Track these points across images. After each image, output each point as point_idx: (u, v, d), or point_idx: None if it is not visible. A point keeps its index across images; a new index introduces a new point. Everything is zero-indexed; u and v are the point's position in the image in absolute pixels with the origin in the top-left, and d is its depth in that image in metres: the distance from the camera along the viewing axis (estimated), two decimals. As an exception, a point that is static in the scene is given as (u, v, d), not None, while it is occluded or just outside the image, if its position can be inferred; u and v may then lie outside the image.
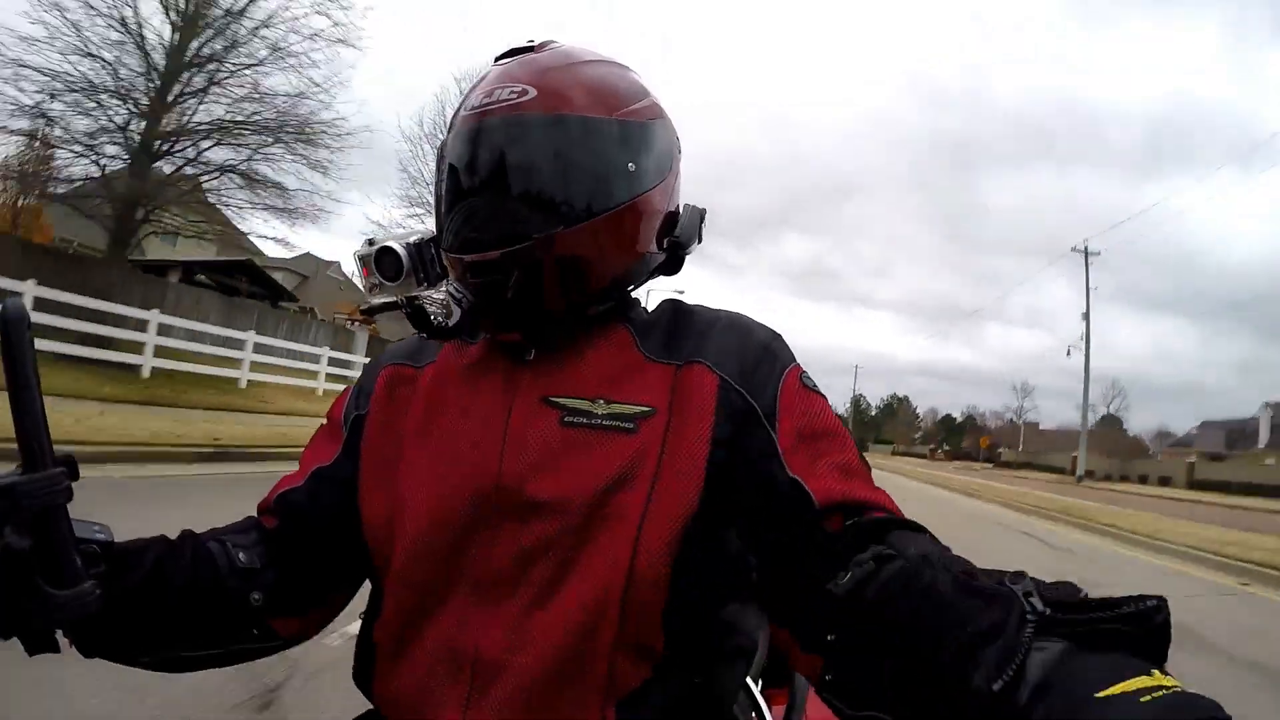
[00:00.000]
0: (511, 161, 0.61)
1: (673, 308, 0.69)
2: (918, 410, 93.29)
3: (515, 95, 0.62)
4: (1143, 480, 39.77)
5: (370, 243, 0.67)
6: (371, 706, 0.65)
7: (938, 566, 0.47)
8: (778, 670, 0.74)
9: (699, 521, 0.57)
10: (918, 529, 0.53)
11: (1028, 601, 0.39)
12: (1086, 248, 31.07)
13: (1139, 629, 0.36)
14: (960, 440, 76.60)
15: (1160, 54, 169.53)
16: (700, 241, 0.72)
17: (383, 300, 0.67)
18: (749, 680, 0.71)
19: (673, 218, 0.69)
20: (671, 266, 0.71)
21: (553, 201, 0.61)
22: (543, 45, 0.68)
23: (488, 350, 0.68)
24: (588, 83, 0.64)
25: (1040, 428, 72.22)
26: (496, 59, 0.68)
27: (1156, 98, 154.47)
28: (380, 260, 0.66)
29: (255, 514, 0.70)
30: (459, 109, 0.65)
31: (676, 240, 0.69)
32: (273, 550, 0.65)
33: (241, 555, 0.63)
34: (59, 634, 0.48)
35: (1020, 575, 0.42)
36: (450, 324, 0.64)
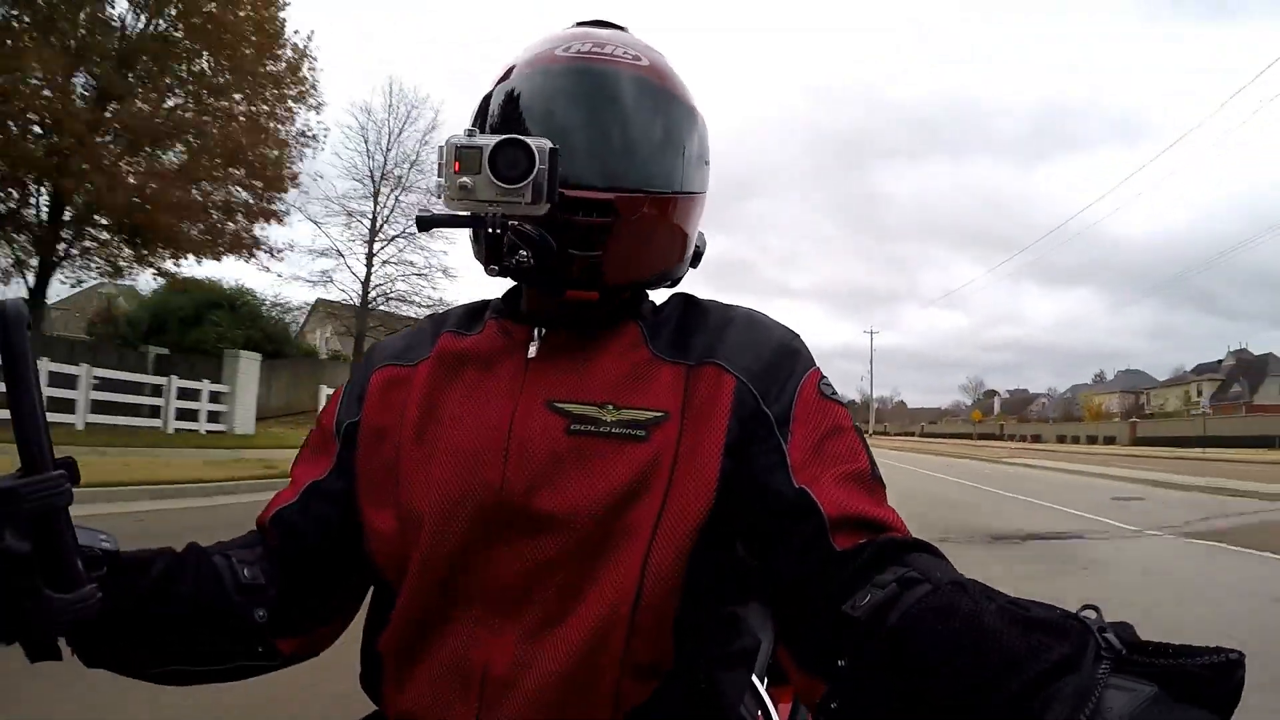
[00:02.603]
0: (631, 114, 0.61)
1: (684, 302, 0.67)
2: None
3: (631, 57, 0.62)
4: (904, 434, 74.25)
5: (470, 133, 0.54)
6: (376, 708, 0.65)
7: (976, 595, 0.43)
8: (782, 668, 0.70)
9: (710, 534, 0.56)
10: (937, 554, 0.51)
11: (1102, 637, 0.35)
12: (872, 330, 65.72)
13: (1218, 680, 0.32)
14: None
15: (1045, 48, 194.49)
16: (697, 266, 0.70)
17: (464, 210, 0.54)
18: (754, 678, 0.69)
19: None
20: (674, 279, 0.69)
21: (658, 165, 0.61)
22: (622, 28, 0.69)
23: (488, 346, 0.64)
24: (676, 74, 0.66)
25: (908, 406, 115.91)
26: (578, 24, 0.69)
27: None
28: (501, 154, 0.52)
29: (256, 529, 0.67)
30: (543, 51, 0.63)
31: (698, 251, 0.69)
32: (275, 567, 0.63)
33: (246, 571, 0.61)
34: (61, 642, 0.46)
35: (1091, 610, 0.38)
36: (528, 263, 0.56)
